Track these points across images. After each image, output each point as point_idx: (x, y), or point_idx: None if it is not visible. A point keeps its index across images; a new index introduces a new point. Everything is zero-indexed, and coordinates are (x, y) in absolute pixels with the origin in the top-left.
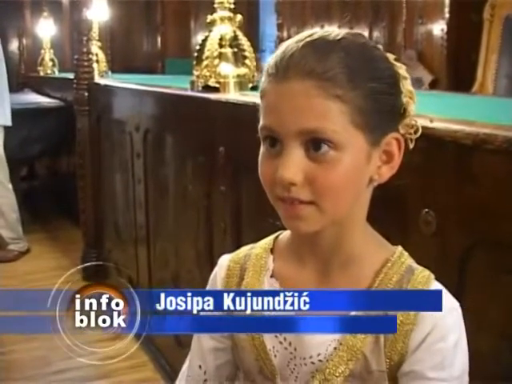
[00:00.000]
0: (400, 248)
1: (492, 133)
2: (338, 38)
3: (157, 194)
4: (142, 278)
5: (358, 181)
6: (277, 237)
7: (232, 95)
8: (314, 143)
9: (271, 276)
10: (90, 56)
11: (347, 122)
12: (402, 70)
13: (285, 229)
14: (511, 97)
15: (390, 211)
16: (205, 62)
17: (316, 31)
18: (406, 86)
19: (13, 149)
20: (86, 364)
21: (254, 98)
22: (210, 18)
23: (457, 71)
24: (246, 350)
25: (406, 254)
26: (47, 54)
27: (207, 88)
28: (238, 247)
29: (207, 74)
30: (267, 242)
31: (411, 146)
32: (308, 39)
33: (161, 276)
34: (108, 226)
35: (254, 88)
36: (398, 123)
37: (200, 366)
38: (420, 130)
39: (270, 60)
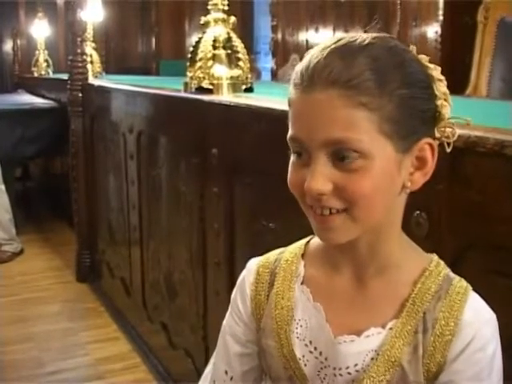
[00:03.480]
0: (436, 256)
1: (483, 135)
2: (365, 43)
3: (150, 195)
4: (134, 279)
5: (389, 189)
6: (308, 241)
7: (225, 97)
8: (341, 153)
9: (302, 283)
10: (85, 57)
11: (374, 130)
12: (435, 71)
13: (284, 233)
14: (505, 99)
15: None
16: (198, 64)
17: (342, 37)
18: (441, 88)
19: (7, 149)
20: (79, 365)
21: (247, 99)
22: (203, 19)
23: (451, 73)
24: (275, 357)
25: (442, 262)
26: (42, 55)
27: (201, 89)
28: (231, 248)
29: (201, 75)
30: (298, 246)
31: (448, 149)
32: (333, 46)
33: (153, 277)
34: (101, 226)
35: (248, 90)
36: (433, 127)
37: (226, 372)
38: (457, 133)
39: (296, 68)
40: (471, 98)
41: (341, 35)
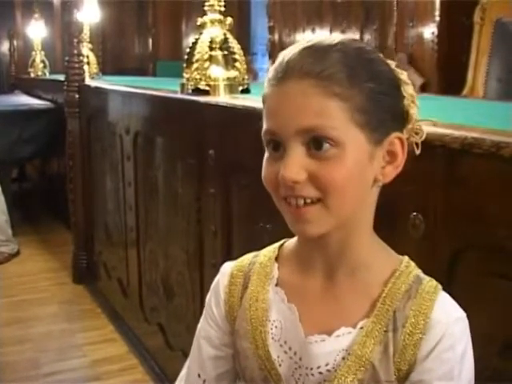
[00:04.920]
0: (407, 258)
1: (480, 137)
2: (335, 42)
3: (147, 197)
4: (131, 280)
5: (362, 179)
6: (282, 245)
7: (222, 98)
8: (315, 142)
9: (276, 285)
10: (81, 58)
11: (347, 119)
12: (403, 75)
13: (281, 234)
14: (501, 100)
15: (379, 214)
16: (195, 65)
17: (313, 38)
18: (408, 90)
19: (3, 150)
20: (76, 366)
21: (243, 101)
22: (200, 20)
23: (447, 74)
24: (250, 358)
25: (412, 263)
26: (38, 56)
27: (197, 91)
28: (228, 250)
29: (197, 76)
30: (272, 249)
31: (417, 151)
32: (305, 45)
33: (151, 278)
34: (98, 228)
35: (244, 91)
36: (402, 126)
37: (199, 375)
38: (424, 134)
39: (270, 67)
40: (468, 99)
41: (313, 38)
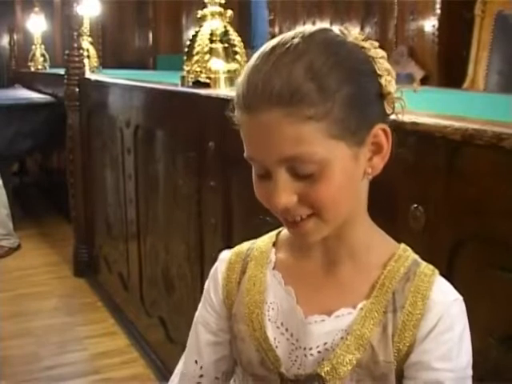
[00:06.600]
0: (403, 244)
1: (481, 128)
2: (298, 48)
3: (147, 190)
4: (132, 274)
5: (352, 183)
6: (280, 232)
7: (222, 91)
8: (299, 168)
9: (273, 268)
10: (81, 51)
11: (325, 137)
12: (374, 50)
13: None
14: (502, 93)
15: (379, 206)
16: (195, 58)
17: (271, 44)
18: (382, 65)
19: (4, 144)
20: (77, 360)
21: None
22: (200, 13)
23: (448, 67)
24: (246, 341)
25: (409, 248)
26: (38, 50)
27: (198, 83)
28: (228, 242)
29: (198, 69)
30: (270, 236)
31: (402, 117)
32: (267, 59)
33: (151, 271)
34: (99, 221)
35: None
36: (383, 107)
37: (196, 361)
38: (405, 100)
39: (237, 89)
40: (469, 92)
41: (272, 41)
